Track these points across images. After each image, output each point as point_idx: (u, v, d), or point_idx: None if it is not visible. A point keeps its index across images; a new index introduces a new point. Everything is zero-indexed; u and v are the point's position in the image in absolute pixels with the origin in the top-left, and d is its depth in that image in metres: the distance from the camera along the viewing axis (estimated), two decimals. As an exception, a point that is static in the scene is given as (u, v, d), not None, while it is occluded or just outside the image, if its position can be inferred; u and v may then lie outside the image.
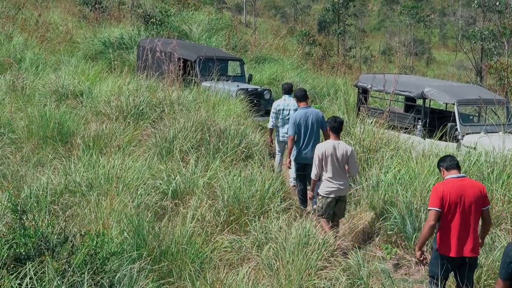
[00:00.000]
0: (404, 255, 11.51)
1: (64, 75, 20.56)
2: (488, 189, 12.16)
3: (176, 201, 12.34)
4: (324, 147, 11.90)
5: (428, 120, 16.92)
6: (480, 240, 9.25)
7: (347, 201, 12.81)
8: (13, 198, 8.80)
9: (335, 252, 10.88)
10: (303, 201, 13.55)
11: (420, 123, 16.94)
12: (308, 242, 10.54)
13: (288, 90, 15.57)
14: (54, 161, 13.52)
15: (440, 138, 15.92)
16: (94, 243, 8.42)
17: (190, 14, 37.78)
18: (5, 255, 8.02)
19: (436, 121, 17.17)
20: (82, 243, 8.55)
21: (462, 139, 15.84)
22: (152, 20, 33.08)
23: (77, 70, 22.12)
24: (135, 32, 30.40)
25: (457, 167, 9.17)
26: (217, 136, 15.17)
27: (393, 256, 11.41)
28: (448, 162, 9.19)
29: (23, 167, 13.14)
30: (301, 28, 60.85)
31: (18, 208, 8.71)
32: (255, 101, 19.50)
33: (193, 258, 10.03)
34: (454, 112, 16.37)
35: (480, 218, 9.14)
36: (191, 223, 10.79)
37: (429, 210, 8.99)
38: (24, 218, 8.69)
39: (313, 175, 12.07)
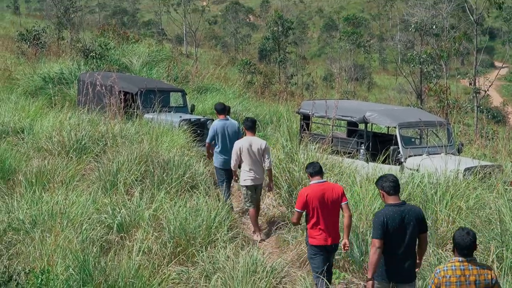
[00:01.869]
0: (352, 279, 11.55)
1: (4, 112, 20.34)
2: (432, 210, 12.34)
3: (122, 234, 12.24)
4: (241, 142, 13.75)
5: (370, 144, 17.06)
6: (344, 241, 10.52)
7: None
8: (-46, 239, 8.67)
9: (284, 279, 10.89)
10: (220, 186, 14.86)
11: (363, 147, 17.08)
12: (256, 270, 10.57)
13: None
14: (-4, 200, 13.34)
15: (383, 162, 16.05)
16: (39, 280, 8.33)
17: (130, 47, 37.66)
18: None
19: (379, 145, 17.33)
20: (27, 281, 8.46)
21: (405, 162, 16.01)
22: (91, 54, 32.88)
23: (17, 107, 21.90)
24: (75, 67, 30.12)
25: (320, 173, 10.72)
26: (161, 167, 15.09)
27: (342, 281, 11.42)
28: (312, 170, 10.71)
29: (-35, 206, 12.94)
30: (242, 57, 61.12)
31: (-40, 248, 8.60)
32: (198, 131, 19.40)
33: (140, 291, 9.96)
34: (396, 135, 16.54)
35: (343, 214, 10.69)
36: (137, 256, 10.73)
37: (295, 211, 10.62)
38: (-34, 258, 8.56)
39: (232, 166, 13.88)
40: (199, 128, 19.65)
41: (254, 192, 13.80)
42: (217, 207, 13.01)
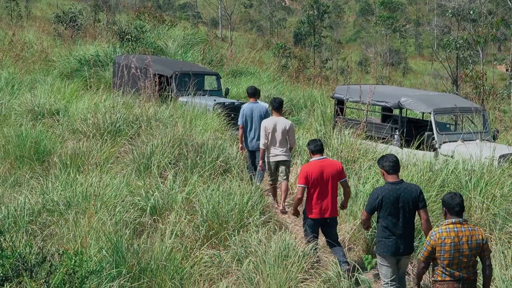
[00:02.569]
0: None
1: (40, 94, 20.47)
2: (466, 197, 12.21)
3: (155, 217, 12.27)
4: (267, 122, 14.31)
5: (405, 130, 16.97)
6: (343, 205, 11.86)
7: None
8: (-11, 219, 8.75)
9: (315, 264, 10.88)
10: (250, 171, 15.50)
11: (397, 132, 16.98)
12: (288, 254, 10.54)
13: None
14: (31, 181, 13.46)
15: (418, 147, 15.96)
16: (73, 262, 8.37)
17: (166, 30, 37.74)
18: (-17, 276, 7.97)
19: (413, 131, 17.25)
20: (61, 262, 8.50)
21: (440, 148, 15.90)
22: (127, 36, 33.02)
23: (53, 89, 22.01)
24: (110, 49, 30.29)
25: (320, 151, 11.48)
26: (194, 151, 15.11)
27: (374, 266, 11.39)
28: (313, 148, 11.47)
29: (0, 188, 13.06)
30: (277, 41, 60.95)
31: (-5, 229, 8.66)
32: (232, 115, 19.38)
33: (172, 274, 9.99)
34: (430, 121, 16.42)
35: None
36: (170, 239, 10.76)
37: (298, 186, 11.38)
38: (1, 238, 8.63)
39: (261, 145, 14.36)
40: (233, 112, 19.60)
41: (277, 169, 14.45)
42: (250, 191, 12.99)
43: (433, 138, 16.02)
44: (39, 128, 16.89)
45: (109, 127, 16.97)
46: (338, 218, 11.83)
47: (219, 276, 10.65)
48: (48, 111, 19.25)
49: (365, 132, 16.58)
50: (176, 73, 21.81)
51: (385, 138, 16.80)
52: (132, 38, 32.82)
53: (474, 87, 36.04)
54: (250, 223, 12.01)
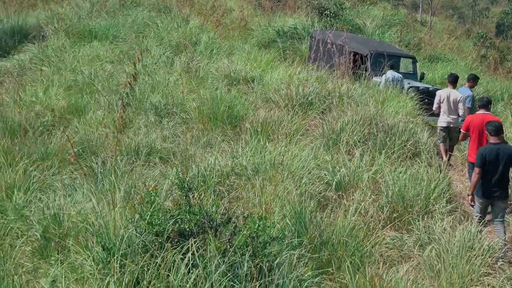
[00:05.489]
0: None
1: (237, 61, 20.84)
2: None
3: (340, 193, 12.22)
4: (442, 92, 16.76)
5: None
6: None
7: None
8: (180, 176, 8.95)
9: (501, 259, 10.51)
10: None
11: None
12: (473, 246, 10.24)
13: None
14: (223, 143, 13.73)
15: None
16: (256, 226, 8.43)
17: (365, 9, 37.49)
18: (170, 229, 8.18)
19: None
20: (245, 225, 8.59)
21: None
22: (326, 12, 33.03)
23: (249, 57, 22.34)
24: (308, 23, 30.38)
25: (485, 107, 13.90)
26: (384, 132, 14.95)
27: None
28: (479, 103, 14.06)
29: (192, 147, 13.41)
30: (478, 30, 59.28)
31: (185, 185, 8.86)
32: (426, 100, 18.98)
33: (353, 251, 9.91)
34: None
35: None
36: (353, 216, 10.67)
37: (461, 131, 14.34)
38: (190, 195, 8.82)
39: (433, 108, 16.81)
40: (427, 97, 19.18)
41: (448, 133, 16.48)
42: (438, 178, 12.74)
43: None
44: (233, 93, 17.19)
45: (301, 100, 17.02)
46: None
47: (399, 259, 10.50)
48: (243, 78, 19.56)
49: None
50: (372, 52, 21.63)
51: None
52: (331, 14, 32.82)
53: None
54: (435, 210, 11.78)
